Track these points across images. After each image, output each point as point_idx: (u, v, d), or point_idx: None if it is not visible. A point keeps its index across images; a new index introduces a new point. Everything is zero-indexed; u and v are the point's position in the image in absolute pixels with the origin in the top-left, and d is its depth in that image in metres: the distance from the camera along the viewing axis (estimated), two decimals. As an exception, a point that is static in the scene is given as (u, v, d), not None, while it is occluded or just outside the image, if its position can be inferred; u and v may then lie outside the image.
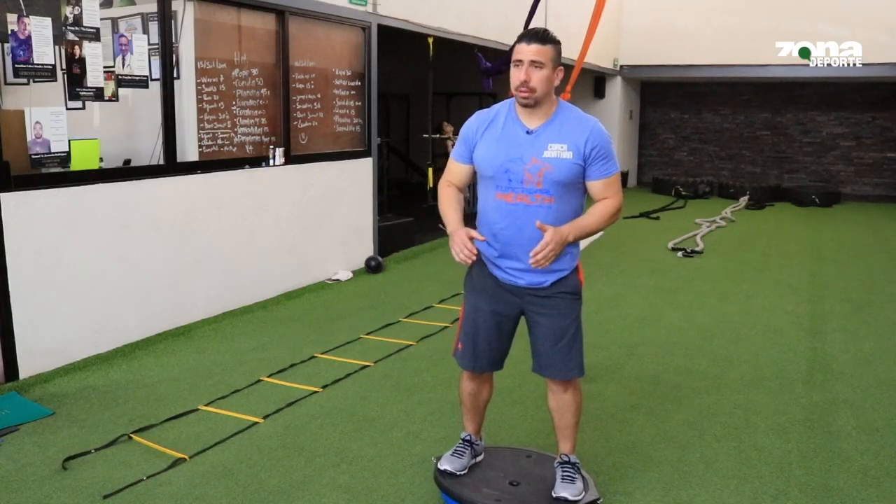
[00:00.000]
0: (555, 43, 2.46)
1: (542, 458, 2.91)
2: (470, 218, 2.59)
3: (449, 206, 2.61)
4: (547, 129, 2.47)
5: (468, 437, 2.85)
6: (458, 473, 2.75)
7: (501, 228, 2.52)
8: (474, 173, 2.63)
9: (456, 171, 2.65)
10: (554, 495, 2.61)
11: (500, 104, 2.60)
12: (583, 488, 2.64)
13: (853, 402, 3.79)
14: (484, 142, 2.54)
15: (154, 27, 4.80)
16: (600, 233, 2.56)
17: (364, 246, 6.97)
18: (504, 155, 2.48)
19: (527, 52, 2.41)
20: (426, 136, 9.09)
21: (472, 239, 2.44)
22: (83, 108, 4.54)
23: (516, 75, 2.43)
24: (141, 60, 4.61)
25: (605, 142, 2.47)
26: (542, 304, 2.55)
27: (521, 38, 2.45)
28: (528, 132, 2.48)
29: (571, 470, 2.68)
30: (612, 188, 2.51)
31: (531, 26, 4.69)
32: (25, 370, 3.94)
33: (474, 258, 2.43)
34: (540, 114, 2.48)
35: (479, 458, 2.88)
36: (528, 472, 2.82)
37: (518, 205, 2.48)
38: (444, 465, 2.76)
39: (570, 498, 2.59)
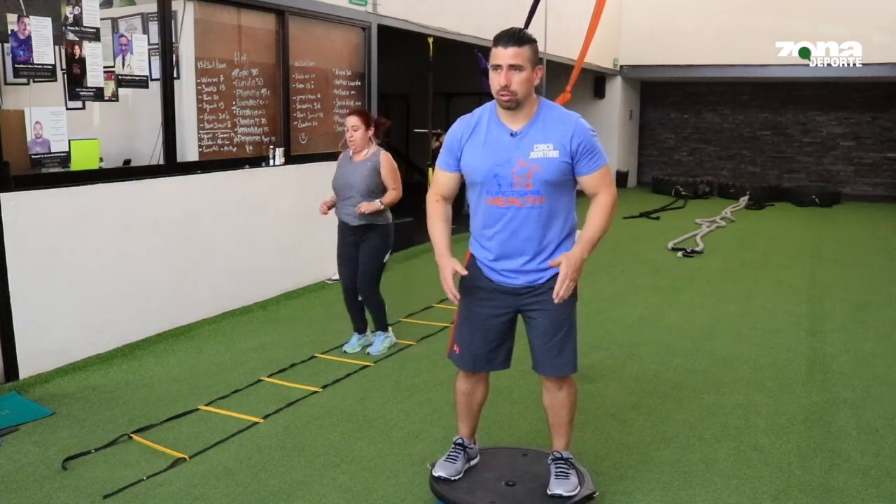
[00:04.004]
0: (531, 42, 2.44)
1: (539, 455, 2.91)
2: (464, 220, 2.59)
3: (437, 227, 2.64)
4: (531, 129, 2.47)
5: (461, 441, 2.84)
6: (453, 479, 2.74)
7: (495, 232, 2.52)
8: (463, 180, 2.62)
9: (443, 180, 2.64)
10: (549, 492, 2.62)
11: (481, 108, 2.59)
12: (577, 483, 2.65)
13: (853, 402, 3.79)
14: (469, 148, 2.53)
15: (154, 27, 4.81)
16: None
17: (364, 246, 6.95)
18: (491, 160, 2.47)
19: (504, 55, 2.39)
20: (424, 131, 9.05)
21: (456, 273, 2.55)
22: (83, 108, 4.55)
23: (496, 79, 2.42)
24: (141, 60, 4.62)
25: (589, 136, 2.47)
26: (537, 300, 2.56)
27: (497, 41, 2.42)
28: (512, 134, 2.47)
29: (565, 466, 2.69)
30: (605, 180, 2.51)
31: (530, 27, 4.68)
32: (25, 370, 3.94)
33: (457, 301, 2.59)
34: (522, 115, 2.47)
35: (473, 462, 2.87)
36: (524, 471, 2.82)
37: (509, 208, 2.48)
38: (439, 472, 2.75)
39: (565, 494, 2.60)
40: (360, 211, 4.18)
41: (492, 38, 2.47)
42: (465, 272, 2.54)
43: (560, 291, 2.41)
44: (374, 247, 4.32)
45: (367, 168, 4.25)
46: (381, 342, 4.51)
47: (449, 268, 2.52)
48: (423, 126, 9.65)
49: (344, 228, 4.40)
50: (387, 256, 4.40)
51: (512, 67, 2.39)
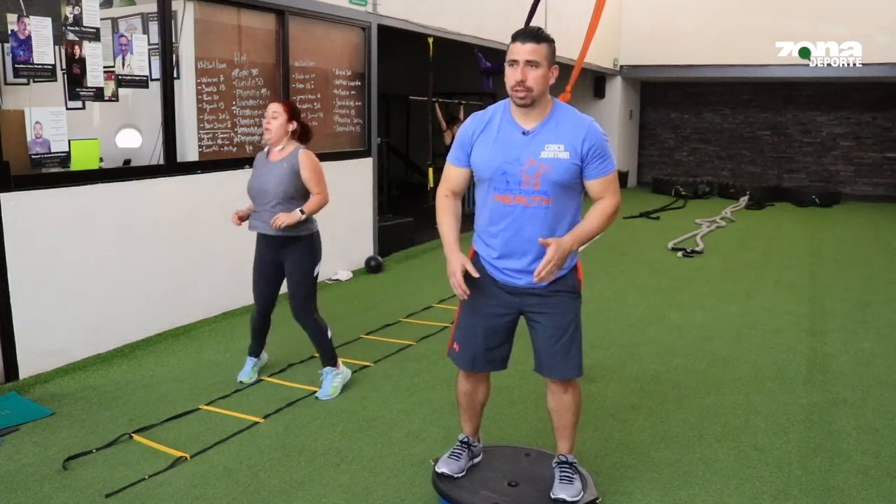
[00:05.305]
0: (549, 41, 2.45)
1: (541, 456, 2.91)
2: (468, 218, 2.59)
3: (446, 222, 2.61)
4: (543, 129, 2.47)
5: (465, 439, 2.85)
6: (456, 476, 2.74)
7: (500, 230, 2.52)
8: (472, 176, 2.63)
9: (453, 175, 2.64)
10: (552, 496, 2.62)
11: (494, 105, 2.59)
12: (581, 488, 2.64)
13: (853, 402, 3.79)
14: (480, 144, 2.53)
15: (154, 27, 4.81)
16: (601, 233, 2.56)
17: (364, 246, 6.96)
18: (501, 157, 2.47)
19: (522, 51, 2.40)
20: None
21: (464, 271, 2.49)
22: (83, 108, 4.54)
23: (512, 75, 2.42)
24: (141, 60, 4.62)
25: (601, 141, 2.47)
26: (541, 303, 2.55)
27: (515, 38, 2.44)
28: (524, 133, 2.48)
29: (570, 470, 2.68)
30: (611, 187, 2.51)
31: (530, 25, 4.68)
32: (25, 370, 3.94)
33: (466, 298, 2.51)
34: (535, 114, 2.48)
35: (477, 460, 2.88)
36: (527, 471, 2.82)
37: (516, 206, 2.48)
38: (442, 468, 2.76)
39: (569, 499, 2.59)
40: (277, 225, 3.57)
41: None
42: (476, 273, 2.49)
43: (542, 273, 2.36)
44: (300, 262, 3.73)
45: (284, 170, 3.64)
46: (330, 381, 3.81)
47: (458, 263, 2.48)
48: (423, 126, 9.65)
49: (261, 241, 3.83)
50: (316, 270, 3.80)
51: (528, 63, 2.39)
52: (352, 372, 4.04)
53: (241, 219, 3.81)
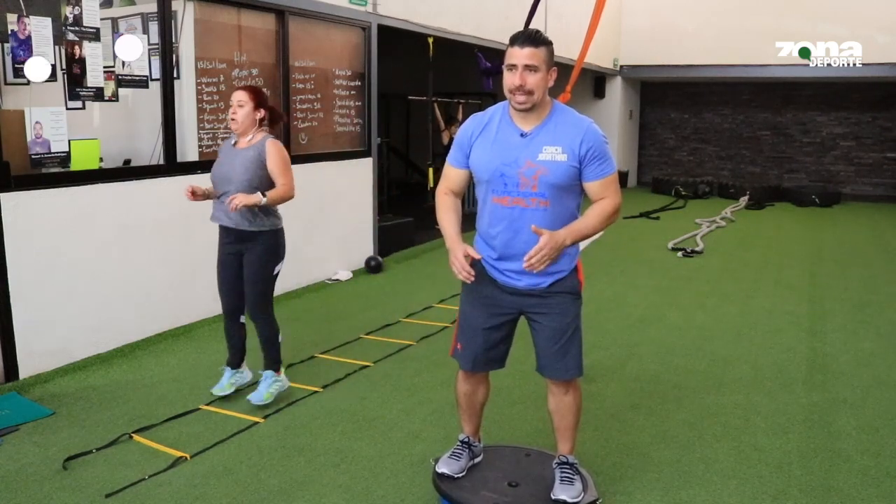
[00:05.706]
0: (547, 44, 2.44)
1: (542, 456, 2.91)
2: (469, 218, 2.60)
3: (446, 217, 2.61)
4: (541, 131, 2.46)
5: (466, 439, 2.85)
6: (456, 476, 2.74)
7: (499, 231, 2.51)
8: (471, 177, 2.63)
9: (452, 176, 2.64)
10: (553, 497, 2.61)
11: (494, 107, 2.59)
12: (581, 489, 2.64)
13: (853, 402, 3.79)
14: (479, 146, 2.53)
15: (154, 27, 4.81)
16: (600, 233, 2.55)
17: (364, 246, 6.96)
18: (499, 159, 2.47)
19: (520, 55, 2.39)
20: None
21: (468, 256, 2.47)
22: (83, 108, 4.54)
23: (511, 80, 2.41)
24: (141, 60, 4.61)
25: (599, 142, 2.46)
26: (541, 304, 2.55)
27: (513, 41, 2.42)
28: (522, 135, 2.47)
29: (570, 471, 2.68)
30: (610, 188, 2.50)
31: (530, 26, 4.67)
32: (25, 370, 3.94)
33: (472, 279, 2.48)
34: (534, 116, 2.47)
35: (477, 460, 2.88)
36: (528, 471, 2.82)
37: (514, 208, 2.47)
38: (442, 468, 2.76)
39: (569, 500, 2.59)
40: (235, 204, 3.32)
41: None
42: (478, 256, 2.49)
43: (532, 259, 2.35)
44: (259, 258, 3.56)
45: (250, 158, 3.48)
46: (267, 386, 3.65)
47: (460, 251, 2.47)
48: (423, 126, 9.65)
49: (222, 234, 3.64)
50: (277, 268, 3.65)
51: (527, 68, 2.38)
52: (287, 386, 3.80)
53: (194, 194, 3.57)
